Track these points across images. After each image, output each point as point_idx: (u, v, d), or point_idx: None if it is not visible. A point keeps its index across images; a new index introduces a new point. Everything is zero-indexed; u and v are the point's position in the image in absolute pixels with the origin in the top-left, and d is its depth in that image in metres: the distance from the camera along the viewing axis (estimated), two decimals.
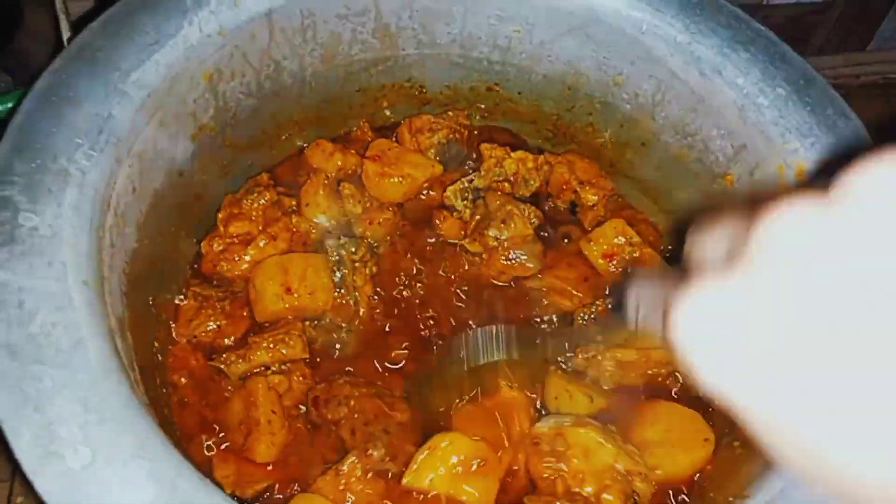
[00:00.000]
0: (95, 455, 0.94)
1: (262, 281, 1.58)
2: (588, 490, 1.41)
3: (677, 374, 1.62)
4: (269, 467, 1.45)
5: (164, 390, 1.47)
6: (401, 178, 1.74)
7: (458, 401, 1.51)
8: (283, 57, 1.61)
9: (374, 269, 1.70)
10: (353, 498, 1.38)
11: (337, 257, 1.67)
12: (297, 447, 1.49)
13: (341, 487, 1.39)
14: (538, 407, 1.57)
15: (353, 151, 1.83)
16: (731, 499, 1.25)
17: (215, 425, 1.49)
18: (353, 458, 1.40)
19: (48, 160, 1.16)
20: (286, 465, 1.45)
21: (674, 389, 1.61)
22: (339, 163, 1.81)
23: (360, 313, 1.64)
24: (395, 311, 1.67)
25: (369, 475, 1.39)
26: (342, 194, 1.77)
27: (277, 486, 1.44)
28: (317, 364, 1.56)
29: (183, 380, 1.52)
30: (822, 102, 1.44)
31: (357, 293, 1.65)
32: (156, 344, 1.48)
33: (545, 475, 1.45)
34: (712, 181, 1.61)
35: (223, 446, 1.47)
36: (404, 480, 1.40)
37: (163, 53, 1.33)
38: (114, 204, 1.25)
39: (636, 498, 1.44)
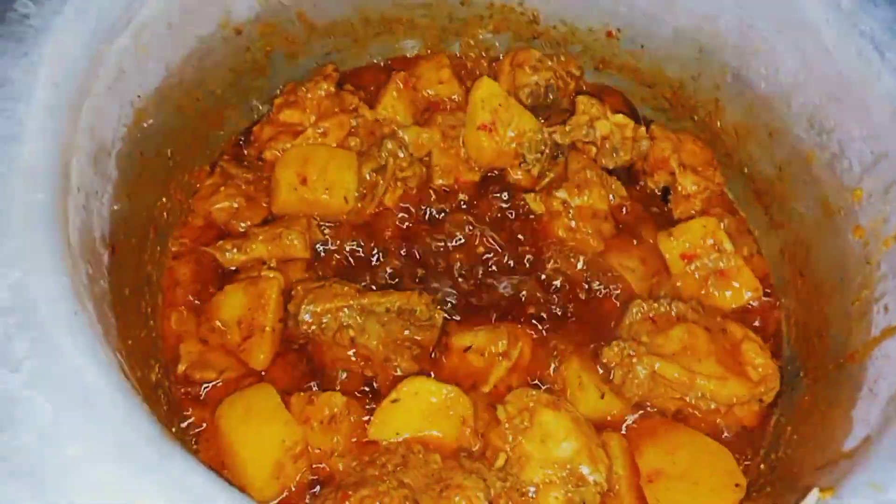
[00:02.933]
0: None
1: (280, 169, 1.45)
2: (529, 478, 1.20)
3: (722, 416, 1.32)
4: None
5: (158, 248, 1.40)
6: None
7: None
8: None
9: (411, 190, 1.54)
10: (315, 431, 1.24)
11: (383, 160, 1.51)
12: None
13: (305, 418, 1.25)
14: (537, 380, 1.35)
15: (464, 85, 1.66)
16: None
17: (199, 305, 1.40)
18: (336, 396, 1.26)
19: None
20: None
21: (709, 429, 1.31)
22: (443, 80, 1.64)
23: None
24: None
25: (338, 420, 1.25)
26: (433, 121, 1.61)
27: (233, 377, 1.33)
28: (314, 267, 1.43)
29: (180, 247, 1.44)
30: None
31: (375, 205, 1.49)
32: (164, 200, 1.40)
33: (495, 444, 1.24)
34: (838, 194, 1.27)
35: (203, 334, 1.37)
36: (371, 433, 1.25)
37: None
38: (134, 26, 1.16)
39: None
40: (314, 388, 1.30)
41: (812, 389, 1.24)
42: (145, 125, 1.27)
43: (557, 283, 1.47)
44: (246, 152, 1.57)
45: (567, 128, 1.54)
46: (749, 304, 1.44)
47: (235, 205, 1.49)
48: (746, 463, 1.28)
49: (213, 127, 1.50)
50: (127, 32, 1.15)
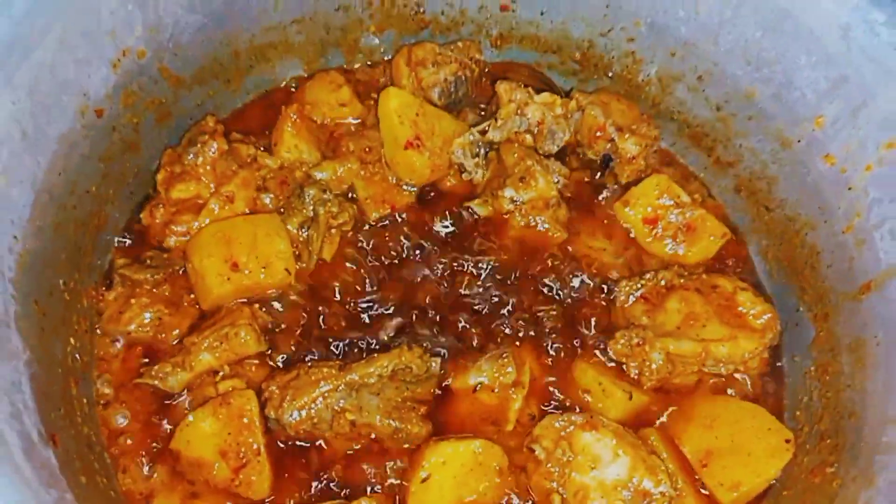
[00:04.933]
0: None
1: (199, 259, 1.21)
2: None
3: (741, 373, 1.29)
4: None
5: (85, 401, 1.12)
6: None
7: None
8: None
9: (348, 234, 1.35)
10: None
11: (311, 212, 1.31)
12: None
13: None
14: (559, 400, 1.25)
15: (366, 103, 1.46)
16: None
17: (158, 448, 1.15)
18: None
19: None
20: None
21: (735, 392, 1.29)
22: (344, 101, 1.43)
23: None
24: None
25: None
26: (341, 150, 1.41)
27: None
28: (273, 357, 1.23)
29: (108, 389, 1.17)
30: None
31: (315, 263, 1.31)
32: (72, 341, 1.12)
33: (543, 487, 1.15)
34: (793, 124, 1.25)
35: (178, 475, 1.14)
36: None
37: None
38: None
39: None
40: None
41: (825, 324, 1.23)
42: (29, 266, 0.98)
43: (538, 286, 1.36)
44: (148, 245, 1.30)
45: (498, 122, 1.41)
46: (721, 249, 1.41)
47: (153, 315, 1.23)
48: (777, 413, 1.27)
49: (97, 232, 1.21)
50: None
